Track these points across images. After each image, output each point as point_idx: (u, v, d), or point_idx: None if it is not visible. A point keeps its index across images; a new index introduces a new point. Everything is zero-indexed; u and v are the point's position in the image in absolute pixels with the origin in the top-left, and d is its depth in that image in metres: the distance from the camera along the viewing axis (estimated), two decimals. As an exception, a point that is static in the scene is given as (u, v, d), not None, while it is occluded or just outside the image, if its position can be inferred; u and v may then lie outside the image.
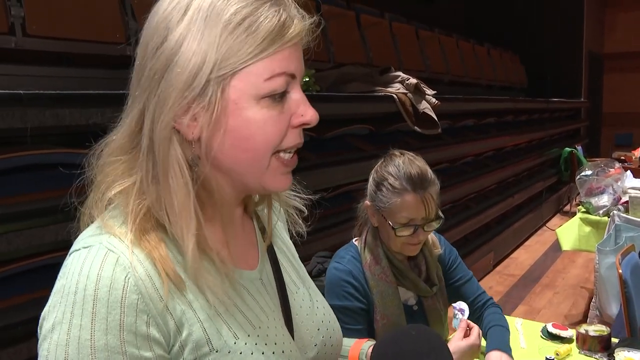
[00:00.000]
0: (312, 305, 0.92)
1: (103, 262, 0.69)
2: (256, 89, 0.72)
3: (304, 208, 0.94)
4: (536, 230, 7.02)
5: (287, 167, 0.78)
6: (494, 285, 5.12)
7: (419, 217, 1.59)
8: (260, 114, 0.73)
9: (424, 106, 3.61)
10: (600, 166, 4.40)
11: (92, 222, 0.76)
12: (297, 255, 0.99)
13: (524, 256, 6.03)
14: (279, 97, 0.74)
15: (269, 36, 0.71)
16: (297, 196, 0.94)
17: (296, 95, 0.76)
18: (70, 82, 2.61)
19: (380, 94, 3.59)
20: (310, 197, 0.94)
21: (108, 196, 0.75)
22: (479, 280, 5.10)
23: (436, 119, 3.68)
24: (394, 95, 3.50)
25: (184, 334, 0.71)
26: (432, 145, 4.19)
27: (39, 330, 0.70)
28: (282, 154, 0.76)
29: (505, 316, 1.89)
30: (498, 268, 5.60)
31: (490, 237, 5.45)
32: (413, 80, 3.62)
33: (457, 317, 1.69)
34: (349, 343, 1.14)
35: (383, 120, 3.75)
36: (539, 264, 5.74)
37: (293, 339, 0.84)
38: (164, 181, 0.72)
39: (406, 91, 3.57)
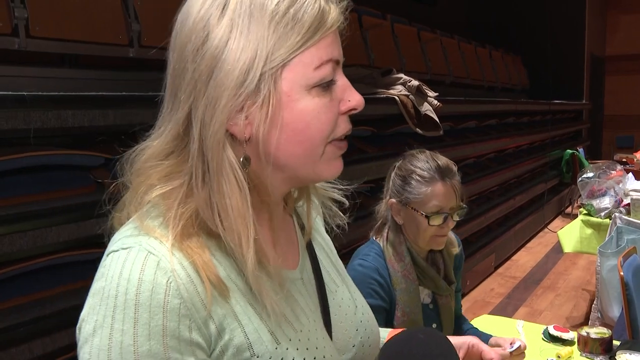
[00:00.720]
0: (351, 304, 0.90)
1: (144, 265, 0.67)
2: (306, 79, 0.71)
3: (344, 199, 0.92)
4: (538, 232, 7.01)
5: (340, 151, 0.77)
6: (495, 287, 5.12)
7: (448, 205, 1.67)
8: (313, 103, 0.72)
9: (426, 108, 3.62)
10: (601, 168, 4.40)
11: (127, 219, 0.74)
12: (335, 250, 0.98)
13: (526, 258, 6.03)
14: (326, 85, 0.73)
15: (314, 23, 0.70)
16: (335, 188, 0.92)
17: (342, 81, 0.75)
18: (72, 83, 2.62)
19: (382, 95, 3.60)
20: (348, 187, 0.92)
21: (147, 199, 0.73)
22: (480, 282, 5.13)
23: (438, 120, 3.68)
24: (396, 97, 3.51)
25: (225, 338, 0.70)
26: (434, 147, 4.14)
27: (77, 332, 0.69)
28: (337, 141, 0.76)
29: (507, 318, 1.89)
30: (499, 270, 5.60)
31: (491, 238, 5.45)
32: (415, 82, 3.62)
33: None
34: (383, 334, 1.13)
35: (385, 122, 3.75)
36: (540, 266, 5.74)
37: (331, 339, 0.83)
38: (217, 186, 0.70)
39: (408, 93, 3.58)
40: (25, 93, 1.63)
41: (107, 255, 0.70)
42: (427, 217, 1.65)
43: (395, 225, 1.74)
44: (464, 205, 1.72)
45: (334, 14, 0.72)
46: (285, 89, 0.70)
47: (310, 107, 0.71)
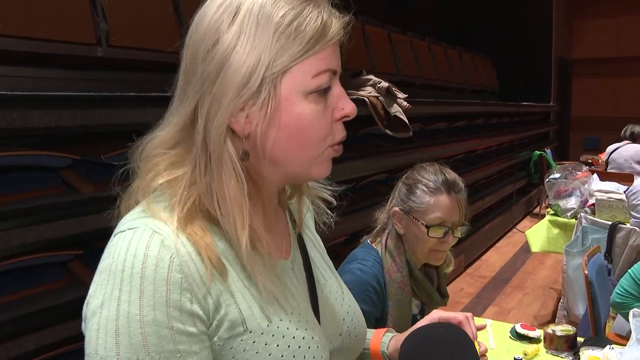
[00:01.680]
0: (338, 296, 0.97)
1: (149, 242, 0.72)
2: (304, 86, 0.77)
3: (332, 199, 0.99)
4: (506, 232, 7.13)
5: (337, 154, 0.83)
6: (465, 286, 5.19)
7: (451, 219, 1.65)
8: (309, 108, 0.78)
9: (396, 109, 3.64)
10: (568, 169, 4.49)
11: (135, 205, 0.80)
12: (324, 247, 1.05)
13: (495, 258, 6.12)
14: (323, 93, 0.79)
15: (315, 35, 0.76)
16: (324, 188, 0.99)
17: (336, 90, 0.81)
18: (40, 82, 2.57)
19: (352, 97, 3.61)
20: (336, 189, 0.99)
21: (154, 185, 0.79)
22: (450, 282, 5.19)
23: (407, 122, 3.71)
24: (366, 99, 3.52)
25: (221, 313, 0.75)
26: (404, 148, 4.23)
27: (85, 307, 0.74)
28: (335, 146, 0.82)
29: (477, 317, 1.92)
30: (469, 270, 5.68)
31: (461, 239, 5.50)
32: (384, 84, 3.65)
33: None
34: (368, 334, 1.15)
35: (355, 124, 3.77)
36: (509, 266, 5.83)
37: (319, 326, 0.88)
38: (217, 175, 0.76)
39: (378, 94, 3.60)
40: (-11, 92, 1.60)
41: (114, 236, 0.76)
42: (427, 227, 1.63)
43: (395, 234, 1.72)
44: (467, 223, 1.70)
45: (336, 27, 0.79)
46: (284, 93, 0.76)
47: (306, 112, 0.78)
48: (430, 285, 1.74)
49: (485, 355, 1.75)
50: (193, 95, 0.77)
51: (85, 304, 0.74)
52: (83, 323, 0.74)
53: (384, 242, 1.73)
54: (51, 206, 1.76)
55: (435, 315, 1.14)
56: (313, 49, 0.77)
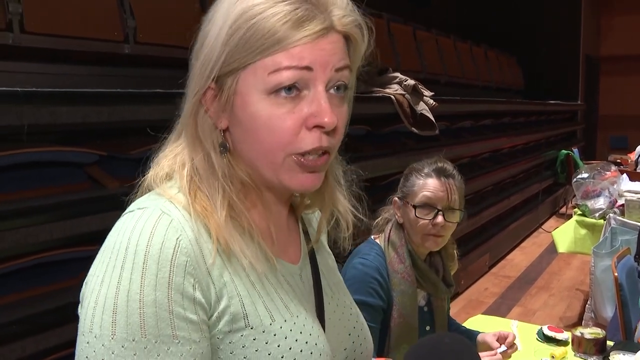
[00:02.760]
0: (345, 311, 0.92)
1: (157, 222, 0.71)
2: (263, 83, 0.72)
3: (351, 225, 0.90)
4: (532, 232, 7.04)
5: (306, 167, 0.75)
6: (489, 286, 5.13)
7: (440, 202, 1.68)
8: (267, 109, 0.73)
9: (422, 107, 3.61)
10: (596, 169, 4.40)
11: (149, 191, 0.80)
12: (335, 264, 1.00)
13: (520, 258, 6.05)
14: (288, 94, 0.72)
15: (276, 33, 0.71)
16: (354, 212, 0.91)
17: (314, 94, 0.73)
18: (66, 79, 2.60)
19: (378, 94, 3.59)
20: (362, 217, 0.91)
21: (165, 171, 0.79)
22: (474, 282, 5.14)
23: (434, 120, 3.68)
24: (392, 96, 3.50)
25: (222, 304, 0.73)
26: (429, 147, 4.19)
27: (84, 287, 0.71)
28: (303, 156, 0.74)
29: (501, 318, 1.91)
30: (494, 269, 5.61)
31: (486, 238, 5.46)
32: (411, 82, 3.62)
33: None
34: None
35: (381, 121, 3.75)
36: (534, 266, 5.75)
37: None
38: (195, 157, 0.77)
39: (404, 92, 3.57)
40: (19, 89, 1.62)
41: (123, 216, 0.75)
42: (414, 207, 1.68)
43: (397, 224, 1.75)
44: (461, 209, 1.72)
45: (315, 27, 0.72)
46: (242, 89, 0.73)
47: (261, 112, 0.73)
48: (434, 275, 1.76)
49: (515, 345, 1.75)
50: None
51: (84, 283, 0.72)
52: (80, 304, 0.71)
53: (386, 235, 1.76)
54: (78, 202, 1.78)
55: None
56: (272, 48, 0.71)
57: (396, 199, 1.76)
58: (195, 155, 0.78)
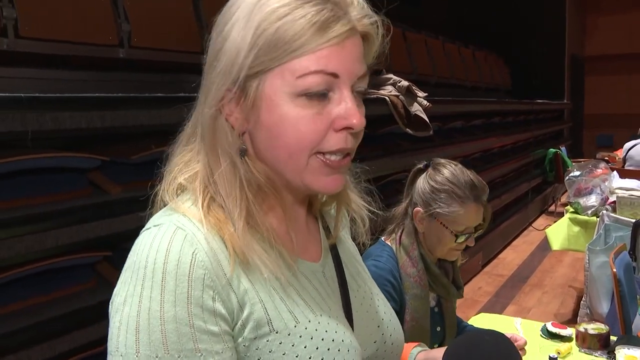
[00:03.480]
0: (372, 303, 0.93)
1: (172, 238, 0.71)
2: (290, 87, 0.72)
3: (367, 220, 0.93)
4: (522, 231, 7.08)
5: (331, 168, 0.76)
6: (483, 285, 5.16)
7: (475, 224, 1.67)
8: (294, 112, 0.73)
9: (416, 108, 3.63)
10: (587, 167, 4.45)
11: (164, 206, 0.80)
12: (359, 255, 1.01)
13: (512, 256, 6.09)
14: (317, 97, 0.73)
15: (303, 35, 0.71)
16: (367, 207, 0.93)
17: (341, 96, 0.74)
18: (62, 84, 2.58)
19: (372, 96, 3.60)
20: (379, 212, 0.93)
21: (178, 182, 0.79)
22: (468, 281, 5.17)
23: (428, 121, 3.70)
24: (386, 98, 3.51)
25: (246, 312, 0.73)
26: (423, 147, 4.21)
27: (110, 306, 0.73)
28: (326, 155, 0.75)
29: (504, 316, 1.92)
30: (487, 268, 5.64)
31: (477, 237, 5.48)
32: (405, 83, 3.64)
33: None
34: None
35: (375, 122, 3.76)
36: (527, 264, 5.79)
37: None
38: (214, 162, 0.76)
39: (398, 93, 3.59)
40: (22, 95, 1.60)
41: (141, 234, 0.75)
42: (456, 235, 1.65)
43: (410, 230, 1.72)
44: (486, 222, 1.72)
45: (341, 28, 0.72)
46: (269, 92, 0.73)
47: (290, 115, 0.72)
48: (446, 279, 1.76)
49: (524, 349, 1.75)
50: (201, 88, 0.78)
51: (110, 302, 0.73)
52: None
53: (398, 238, 1.73)
54: (83, 208, 1.76)
55: None
56: (300, 49, 0.71)
57: (421, 211, 1.69)
58: (213, 163, 0.76)
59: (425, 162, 1.77)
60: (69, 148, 1.89)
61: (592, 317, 3.53)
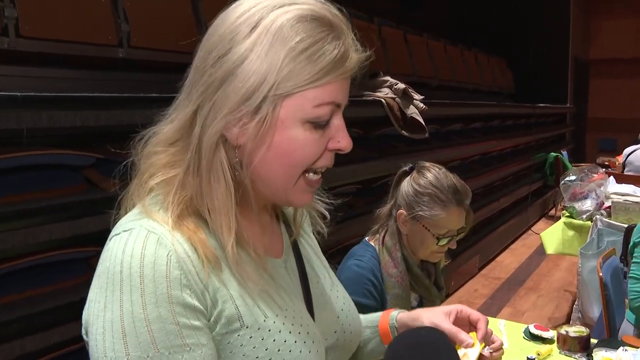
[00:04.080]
0: (331, 294, 0.98)
1: (145, 242, 0.73)
2: (303, 113, 0.77)
3: (326, 213, 1.00)
4: (522, 234, 7.11)
5: (311, 187, 0.83)
6: (479, 287, 5.19)
7: (457, 227, 1.70)
8: (303, 135, 0.78)
9: (412, 111, 3.67)
10: (584, 171, 4.48)
11: (132, 207, 0.81)
12: (319, 248, 1.05)
13: (509, 259, 6.11)
14: (323, 124, 0.79)
15: (327, 67, 0.76)
16: (320, 200, 0.99)
17: (337, 122, 0.81)
18: (61, 83, 2.63)
19: (369, 98, 3.64)
20: (332, 201, 0.99)
21: (150, 184, 0.80)
22: (464, 283, 5.20)
23: (423, 123, 3.73)
24: (383, 100, 3.55)
25: (218, 309, 0.76)
26: (419, 150, 4.24)
27: (85, 312, 0.75)
28: (310, 174, 0.82)
29: (489, 317, 1.94)
30: (483, 271, 5.67)
31: (476, 240, 5.52)
32: (401, 85, 3.67)
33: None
34: (376, 315, 1.17)
35: (372, 124, 3.80)
36: (524, 268, 5.82)
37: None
38: (207, 181, 0.78)
39: (394, 96, 3.63)
40: (18, 94, 1.65)
41: (110, 239, 0.77)
42: (437, 238, 1.68)
43: (393, 231, 1.75)
44: (468, 225, 1.75)
45: (351, 62, 0.78)
46: (282, 115, 0.76)
47: (299, 138, 0.77)
48: (428, 280, 1.79)
49: (502, 349, 1.78)
50: (196, 97, 0.78)
51: (85, 308, 0.75)
52: (83, 329, 0.75)
53: (381, 238, 1.77)
54: (76, 204, 1.81)
55: (460, 308, 1.13)
56: (322, 79, 0.76)
57: (404, 213, 1.72)
58: (205, 178, 0.78)
59: (411, 165, 1.80)
60: (65, 146, 1.93)
61: (584, 321, 3.56)
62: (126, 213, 0.81)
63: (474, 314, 1.13)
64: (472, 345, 1.12)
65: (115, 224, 0.80)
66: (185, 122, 0.79)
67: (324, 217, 1.01)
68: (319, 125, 0.78)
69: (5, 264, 1.67)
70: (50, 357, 1.71)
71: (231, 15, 0.78)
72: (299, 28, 0.75)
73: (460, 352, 1.13)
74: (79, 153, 1.93)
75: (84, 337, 0.75)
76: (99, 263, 0.75)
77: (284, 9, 0.77)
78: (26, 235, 1.65)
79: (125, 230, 0.75)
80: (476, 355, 1.13)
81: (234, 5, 0.80)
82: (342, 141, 0.81)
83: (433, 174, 1.71)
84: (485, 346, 1.13)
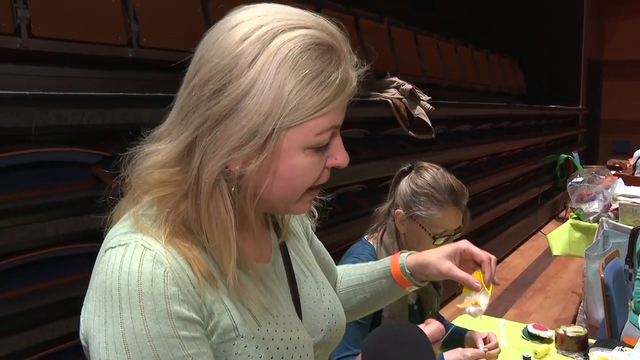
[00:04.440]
0: (319, 293, 0.99)
1: (142, 259, 0.73)
2: (305, 142, 0.77)
3: (316, 211, 1.02)
4: (531, 236, 7.07)
5: (312, 196, 0.85)
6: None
7: (454, 227, 1.71)
8: (305, 161, 0.78)
9: (419, 111, 3.69)
10: (592, 173, 4.47)
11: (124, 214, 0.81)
12: (306, 243, 1.06)
13: (518, 261, 6.10)
14: (323, 147, 0.79)
15: (330, 97, 0.75)
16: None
17: (336, 141, 0.82)
18: (72, 82, 2.68)
19: (375, 99, 3.67)
20: (322, 198, 0.98)
21: (144, 199, 0.80)
22: (471, 284, 5.19)
23: (430, 124, 3.75)
24: (389, 100, 3.58)
25: (214, 320, 0.78)
26: (426, 150, 4.26)
27: (84, 321, 0.76)
28: (313, 190, 0.84)
29: (489, 317, 1.97)
30: (491, 272, 5.66)
31: (484, 241, 5.51)
32: (408, 86, 3.69)
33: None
34: (386, 263, 1.17)
35: (378, 125, 3.82)
36: (532, 269, 5.80)
37: (302, 323, 0.92)
38: (205, 210, 0.77)
39: (401, 96, 3.65)
40: (27, 92, 1.70)
41: (105, 252, 0.76)
42: (434, 237, 1.70)
43: (392, 230, 1.77)
44: (465, 225, 1.76)
45: (352, 86, 0.78)
46: (285, 146, 0.75)
47: (301, 164, 0.78)
48: None
49: (499, 348, 1.81)
50: (194, 126, 0.75)
51: (83, 315, 0.76)
52: (82, 337, 0.76)
53: (379, 237, 1.78)
54: (82, 200, 1.86)
55: (463, 247, 1.13)
56: (328, 106, 0.75)
57: (402, 212, 1.73)
58: (205, 207, 0.77)
59: (410, 165, 1.82)
60: (72, 143, 1.98)
61: (589, 323, 3.56)
62: (116, 220, 0.81)
63: (478, 254, 1.12)
64: (481, 290, 1.12)
65: (108, 229, 0.80)
66: (181, 150, 0.76)
67: (312, 216, 1.03)
68: (320, 148, 0.79)
69: (13, 257, 1.71)
70: (55, 349, 1.75)
71: (229, 40, 0.74)
72: (303, 58, 0.74)
73: (471, 298, 1.14)
74: (86, 150, 1.98)
75: (82, 342, 0.77)
76: (94, 274, 0.75)
77: (286, 36, 0.74)
78: (33, 230, 1.69)
79: (121, 245, 0.75)
80: (487, 302, 1.13)
81: (230, 25, 0.76)
82: (339, 158, 0.82)
83: (430, 174, 1.73)
84: (492, 288, 1.12)
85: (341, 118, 0.80)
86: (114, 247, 0.75)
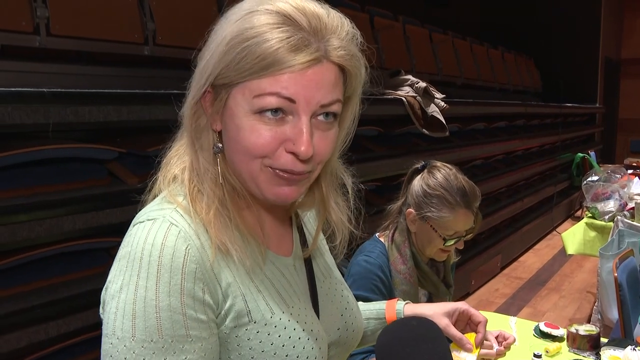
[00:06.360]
0: (337, 293, 1.02)
1: (167, 233, 0.78)
2: (248, 104, 0.78)
3: (346, 238, 0.98)
4: (546, 235, 7.03)
5: (281, 179, 0.81)
6: (500, 287, 5.17)
7: (465, 229, 1.72)
8: (249, 124, 0.78)
9: (433, 109, 3.69)
10: (608, 172, 4.44)
11: (158, 194, 0.87)
12: (327, 248, 1.08)
13: (533, 259, 6.07)
14: (274, 115, 0.77)
15: (266, 59, 0.75)
16: (348, 227, 0.97)
17: (297, 122, 0.78)
18: (89, 79, 2.72)
19: (389, 96, 3.67)
20: (355, 231, 0.98)
21: (172, 172, 0.86)
22: (486, 282, 5.19)
23: (444, 122, 3.75)
24: (403, 98, 3.58)
25: (228, 303, 0.81)
26: (441, 148, 4.26)
27: (103, 292, 0.80)
28: (277, 170, 0.80)
29: (501, 314, 1.97)
30: (505, 271, 5.65)
31: (498, 239, 5.50)
32: (422, 84, 3.70)
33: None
34: (380, 305, 1.22)
35: (392, 122, 3.83)
36: (546, 268, 5.77)
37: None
38: (192, 150, 0.84)
39: (415, 94, 3.65)
40: (45, 90, 1.74)
41: (134, 226, 0.81)
42: (444, 239, 1.71)
43: (403, 228, 1.78)
44: (476, 226, 1.77)
45: (304, 57, 0.75)
46: (231, 103, 0.80)
47: (243, 126, 0.78)
48: (436, 277, 1.81)
49: (510, 347, 1.80)
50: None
51: (104, 288, 0.79)
52: (101, 307, 0.80)
53: (391, 235, 1.79)
54: (99, 196, 1.89)
55: (462, 309, 1.20)
56: (263, 71, 0.75)
57: (413, 212, 1.74)
58: (192, 154, 0.84)
59: (423, 163, 1.82)
60: (90, 140, 2.02)
61: (604, 322, 3.54)
62: (152, 199, 0.87)
63: (476, 316, 1.19)
64: (472, 351, 1.17)
65: (142, 207, 0.86)
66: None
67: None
68: (265, 117, 0.77)
69: (31, 251, 1.75)
70: (71, 342, 1.79)
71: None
72: (251, 17, 0.77)
73: (459, 355, 1.18)
74: (103, 147, 2.01)
75: (101, 315, 0.81)
76: (121, 247, 0.79)
77: (268, 5, 0.78)
78: (51, 224, 1.73)
79: (149, 220, 0.79)
80: None
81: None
82: (298, 145, 0.77)
83: (443, 174, 1.72)
84: (480, 350, 1.19)
85: (296, 91, 0.76)
86: (143, 221, 0.80)
